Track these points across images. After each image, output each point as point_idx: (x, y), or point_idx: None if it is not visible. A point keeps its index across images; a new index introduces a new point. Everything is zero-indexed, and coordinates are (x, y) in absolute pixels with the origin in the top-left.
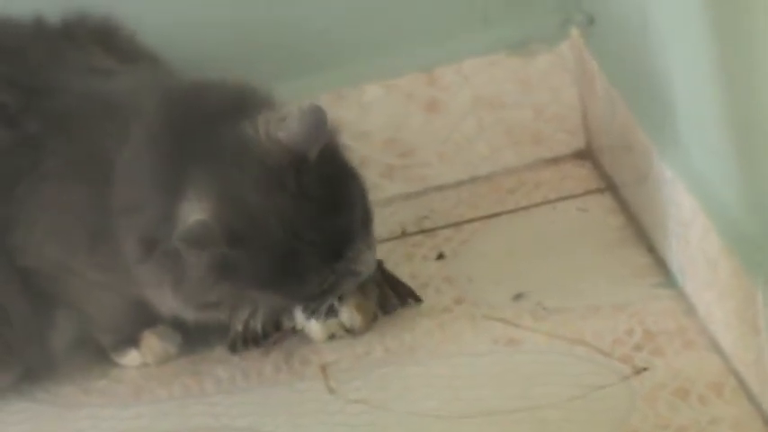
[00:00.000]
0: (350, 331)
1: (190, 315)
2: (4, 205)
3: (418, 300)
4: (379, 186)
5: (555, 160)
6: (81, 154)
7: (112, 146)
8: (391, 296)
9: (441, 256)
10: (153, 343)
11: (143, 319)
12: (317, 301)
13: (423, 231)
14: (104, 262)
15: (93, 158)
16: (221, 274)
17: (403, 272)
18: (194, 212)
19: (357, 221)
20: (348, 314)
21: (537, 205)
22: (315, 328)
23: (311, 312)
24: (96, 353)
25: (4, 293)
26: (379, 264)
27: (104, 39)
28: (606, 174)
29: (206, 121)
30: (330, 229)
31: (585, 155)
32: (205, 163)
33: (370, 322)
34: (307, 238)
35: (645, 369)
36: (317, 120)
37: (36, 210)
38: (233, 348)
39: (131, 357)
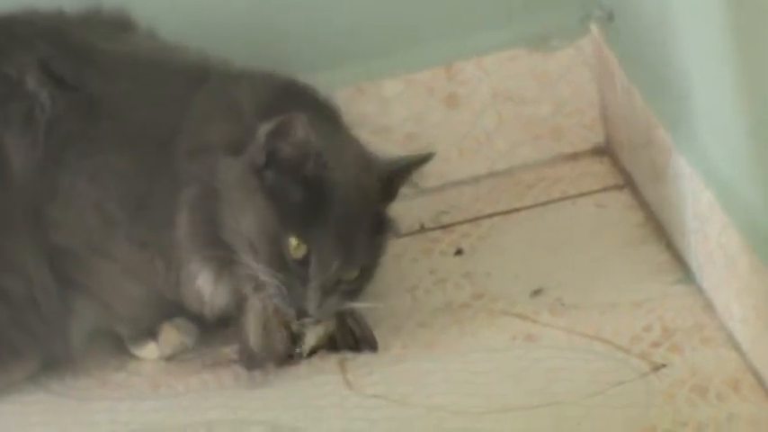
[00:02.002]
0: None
1: (205, 250)
2: (50, 173)
3: (374, 349)
4: None
5: (574, 156)
6: (139, 117)
7: (175, 108)
8: (351, 333)
9: (459, 252)
10: (171, 335)
11: (162, 311)
12: (282, 271)
13: (441, 227)
14: (144, 233)
15: (152, 122)
16: (264, 184)
17: (421, 267)
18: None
19: (359, 263)
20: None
21: (556, 201)
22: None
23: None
24: (114, 346)
25: (35, 277)
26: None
27: (126, 28)
28: (625, 170)
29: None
30: (352, 239)
31: (604, 150)
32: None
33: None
34: (346, 218)
35: (663, 365)
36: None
37: (82, 176)
38: (248, 366)
39: (149, 350)
